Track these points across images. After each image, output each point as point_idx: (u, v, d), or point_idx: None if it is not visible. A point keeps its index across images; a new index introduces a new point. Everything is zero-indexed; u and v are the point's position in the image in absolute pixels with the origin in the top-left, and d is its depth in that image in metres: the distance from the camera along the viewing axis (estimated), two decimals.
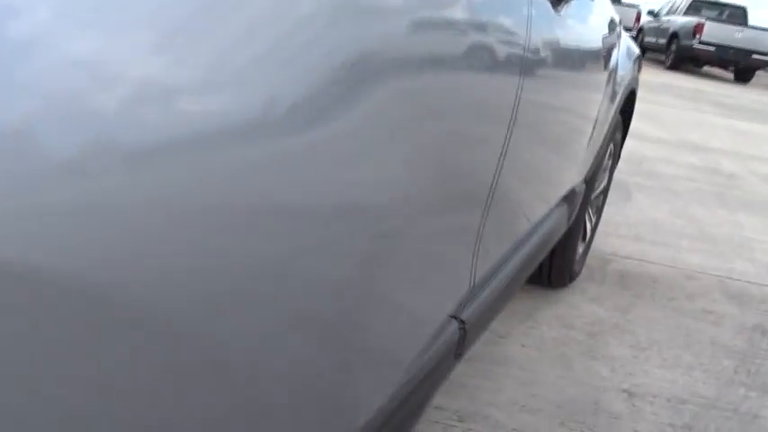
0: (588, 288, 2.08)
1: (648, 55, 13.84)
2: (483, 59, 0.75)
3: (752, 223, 3.08)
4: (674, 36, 11.76)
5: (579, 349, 1.69)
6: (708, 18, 11.42)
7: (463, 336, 0.88)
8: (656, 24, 13.05)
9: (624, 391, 1.54)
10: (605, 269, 2.25)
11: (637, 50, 1.93)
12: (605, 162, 2.01)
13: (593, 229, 2.20)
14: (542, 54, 0.92)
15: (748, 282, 2.34)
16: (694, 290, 2.20)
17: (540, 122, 1.03)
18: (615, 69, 1.61)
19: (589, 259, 2.28)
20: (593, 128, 1.57)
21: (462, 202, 0.80)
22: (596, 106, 1.53)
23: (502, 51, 0.78)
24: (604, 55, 1.48)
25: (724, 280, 2.33)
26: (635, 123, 5.39)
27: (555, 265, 1.87)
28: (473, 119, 0.75)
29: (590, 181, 1.75)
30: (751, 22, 11.99)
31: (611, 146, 2.02)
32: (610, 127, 1.75)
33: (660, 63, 12.52)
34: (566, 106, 1.24)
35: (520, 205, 1.09)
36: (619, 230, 2.67)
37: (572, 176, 1.56)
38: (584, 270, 2.19)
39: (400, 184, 0.60)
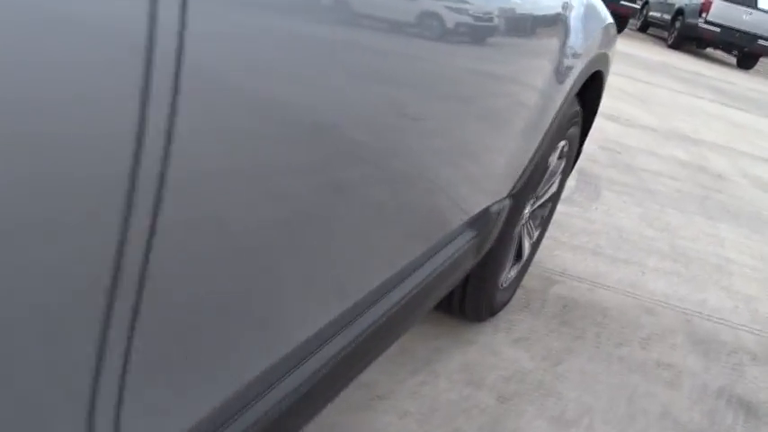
0: (517, 322, 1.63)
1: (651, 30, 13.18)
2: None
3: (734, 239, 2.64)
4: (680, 12, 11.09)
5: (480, 422, 1.25)
6: None
7: None
8: None
9: None
10: (546, 294, 1.80)
11: (607, 18, 1.43)
12: (553, 165, 1.53)
13: (535, 245, 1.73)
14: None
15: (720, 321, 1.91)
16: (652, 330, 1.76)
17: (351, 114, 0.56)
18: (565, 40, 1.12)
19: (529, 278, 1.83)
20: (524, 123, 1.09)
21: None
22: (528, 91, 1.05)
23: None
24: (542, 17, 0.99)
25: (691, 317, 1.89)
26: (622, 106, 4.93)
27: (468, 298, 1.41)
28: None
29: (520, 194, 1.27)
30: (761, 5, 11.34)
31: (564, 143, 1.53)
32: (556, 119, 1.26)
33: (662, 40, 11.89)
34: (449, 90, 0.76)
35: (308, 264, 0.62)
36: (575, 239, 2.22)
37: (485, 193, 1.08)
38: (519, 293, 1.74)
39: None
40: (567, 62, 1.16)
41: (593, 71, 1.40)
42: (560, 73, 1.15)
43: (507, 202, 1.21)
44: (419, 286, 0.94)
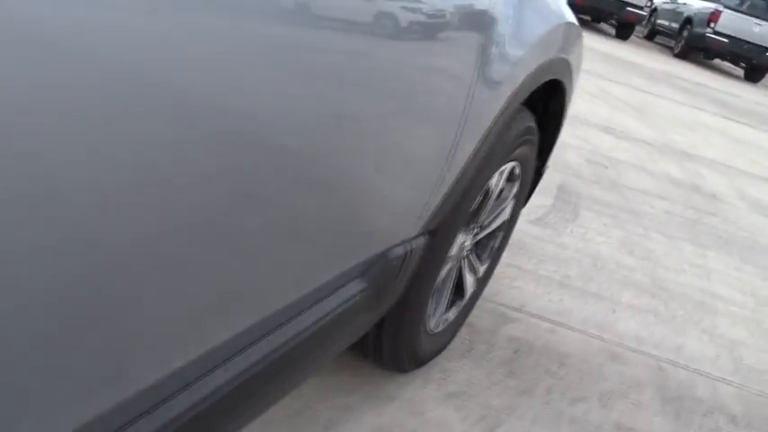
0: (454, 371, 1.38)
1: (659, 39, 12.89)
2: None
3: (723, 270, 2.39)
4: (688, 21, 10.80)
5: None
6: (726, 6, 10.46)
7: None
8: (671, 7, 12.04)
9: None
10: (496, 335, 1.56)
11: (563, 16, 1.18)
12: (499, 190, 1.29)
13: (483, 281, 1.49)
14: None
15: (697, 371, 1.66)
16: (617, 382, 1.52)
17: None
18: (490, 35, 0.87)
19: (479, 314, 1.59)
20: (435, 140, 0.85)
21: None
22: (438, 98, 0.81)
23: None
24: (455, 6, 0.74)
25: (665, 366, 1.65)
26: (618, 116, 4.67)
27: (385, 346, 1.17)
28: None
29: (443, 228, 1.03)
30: None
31: (514, 165, 1.29)
32: (490, 136, 1.02)
33: (669, 49, 11.62)
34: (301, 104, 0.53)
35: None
36: (542, 268, 1.97)
37: (379, 233, 0.84)
38: (463, 333, 1.50)
39: None
40: (499, 65, 0.91)
41: (546, 79, 1.16)
42: (489, 78, 0.90)
43: (421, 241, 0.96)
44: (283, 347, 0.71)
